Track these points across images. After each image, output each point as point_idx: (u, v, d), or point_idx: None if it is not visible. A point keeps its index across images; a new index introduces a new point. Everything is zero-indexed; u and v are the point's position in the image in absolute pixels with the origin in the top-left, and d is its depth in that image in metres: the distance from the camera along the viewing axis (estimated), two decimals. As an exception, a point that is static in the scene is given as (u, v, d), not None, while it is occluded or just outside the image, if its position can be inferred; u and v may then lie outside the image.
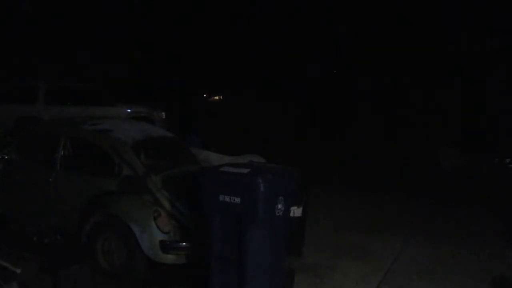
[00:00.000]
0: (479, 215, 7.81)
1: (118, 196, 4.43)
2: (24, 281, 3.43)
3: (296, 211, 4.59)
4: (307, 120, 14.18)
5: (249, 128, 13.21)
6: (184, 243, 4.14)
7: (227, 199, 3.58)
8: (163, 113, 11.55)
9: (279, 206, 3.74)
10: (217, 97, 21.69)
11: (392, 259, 5.32)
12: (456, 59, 13.21)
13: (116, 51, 15.60)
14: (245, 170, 3.70)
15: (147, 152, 4.82)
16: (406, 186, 9.50)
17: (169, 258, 4.13)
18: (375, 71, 13.81)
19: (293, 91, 15.44)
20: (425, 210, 7.96)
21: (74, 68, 14.14)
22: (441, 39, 13.44)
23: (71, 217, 4.55)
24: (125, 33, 15.81)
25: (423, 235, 6.32)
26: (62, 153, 4.83)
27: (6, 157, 5.08)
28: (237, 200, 3.55)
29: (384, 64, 13.71)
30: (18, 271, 3.43)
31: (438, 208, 8.09)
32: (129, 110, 10.87)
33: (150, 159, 4.80)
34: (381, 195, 8.76)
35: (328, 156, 11.25)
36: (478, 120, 12.36)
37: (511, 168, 11.58)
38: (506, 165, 11.64)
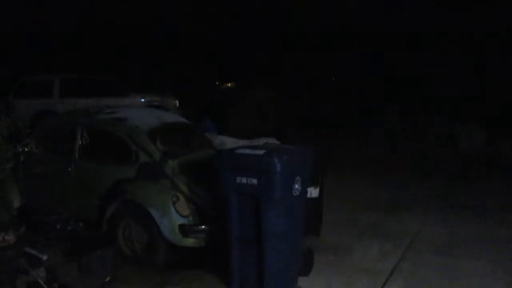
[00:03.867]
0: (498, 192, 7.73)
1: (137, 183, 4.48)
2: (50, 266, 3.52)
3: (313, 192, 4.60)
4: (320, 105, 14.09)
5: (263, 114, 13.18)
6: (203, 226, 4.18)
7: (244, 180, 3.60)
8: (177, 101, 11.60)
9: (296, 186, 3.75)
10: (229, 84, 21.68)
11: (410, 237, 5.30)
12: (472, 32, 12.92)
13: (129, 41, 15.65)
14: (261, 151, 3.71)
15: (163, 138, 4.84)
16: (423, 166, 9.42)
17: (189, 241, 4.18)
18: (390, 49, 13.59)
19: (305, 76, 15.34)
20: (442, 189, 7.89)
21: (87, 60, 14.25)
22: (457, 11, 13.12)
23: (92, 205, 4.63)
24: (137, 22, 15.84)
25: (441, 213, 6.29)
26: (79, 143, 4.89)
27: (26, 149, 5.17)
28: (254, 181, 3.56)
29: (399, 41, 13.48)
30: (45, 257, 3.53)
31: (455, 187, 8.02)
32: (143, 100, 10.95)
33: (166, 145, 4.82)
34: (398, 176, 8.70)
35: (343, 139, 11.20)
36: (496, 96, 12.12)
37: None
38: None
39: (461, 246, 5.08)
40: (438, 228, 5.71)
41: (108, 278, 3.89)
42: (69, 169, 4.84)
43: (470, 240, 5.27)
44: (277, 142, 5.83)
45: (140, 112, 5.60)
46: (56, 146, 5.19)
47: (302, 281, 3.97)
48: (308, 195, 4.23)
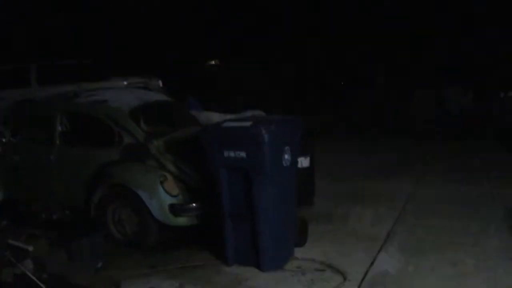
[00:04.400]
0: (486, 151, 7.76)
1: (122, 165, 4.35)
2: (37, 257, 3.41)
3: (304, 162, 4.52)
4: (306, 78, 13.88)
5: (249, 90, 13.01)
6: (194, 204, 4.08)
7: (232, 154, 3.49)
8: (160, 82, 11.34)
9: (286, 156, 3.66)
10: (213, 62, 21.33)
11: (404, 201, 5.30)
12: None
13: (109, 23, 15.16)
14: (248, 123, 3.59)
15: (146, 118, 4.69)
16: (413, 130, 9.41)
17: (181, 220, 4.09)
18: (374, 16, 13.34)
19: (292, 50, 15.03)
20: (433, 150, 7.90)
21: (65, 44, 13.79)
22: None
23: (78, 191, 4.50)
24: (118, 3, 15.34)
25: (432, 176, 6.30)
26: (59, 129, 4.73)
27: (4, 140, 4.98)
28: (243, 154, 3.46)
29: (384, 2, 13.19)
30: (30, 248, 3.40)
31: (445, 148, 8.04)
32: (125, 82, 10.66)
33: (150, 125, 4.68)
34: (388, 141, 8.69)
35: (332, 108, 11.10)
36: (480, 57, 12.07)
37: (517, 101, 11.44)
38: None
39: (454, 206, 5.08)
40: (430, 190, 5.71)
41: (100, 264, 3.79)
42: (51, 156, 4.68)
43: (462, 200, 5.27)
44: (263, 114, 5.70)
45: (120, 93, 5.41)
46: (36, 134, 5.01)
47: (298, 251, 3.92)
48: (299, 165, 4.15)
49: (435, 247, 3.98)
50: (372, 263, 3.72)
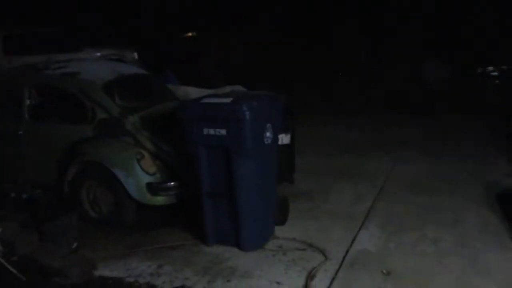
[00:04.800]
0: (464, 126, 7.83)
1: (96, 142, 4.16)
2: (7, 240, 3.25)
3: (284, 138, 4.42)
4: (287, 50, 13.63)
5: (227, 62, 12.74)
6: (172, 183, 3.96)
7: (211, 132, 3.36)
8: (136, 54, 10.98)
9: (267, 134, 3.55)
10: (190, 34, 20.79)
11: (383, 177, 5.29)
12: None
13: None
14: (228, 100, 3.45)
15: (121, 92, 4.47)
16: (392, 105, 9.40)
17: (159, 199, 3.97)
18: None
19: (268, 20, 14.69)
20: (411, 126, 7.92)
21: (35, 12, 13.10)
22: None
23: (49, 169, 4.31)
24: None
25: (412, 151, 6.31)
26: (28, 102, 4.47)
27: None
28: (223, 132, 3.33)
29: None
30: (-1, 230, 3.24)
31: (423, 123, 8.07)
32: (99, 54, 10.28)
33: (125, 100, 4.46)
34: (368, 117, 8.67)
35: (312, 83, 10.98)
36: (461, 31, 12.08)
37: (494, 76, 11.58)
38: (489, 73, 11.62)
39: (433, 182, 5.11)
40: (409, 166, 5.72)
41: (75, 245, 3.65)
42: (20, 132, 4.44)
43: (441, 176, 5.31)
44: (243, 89, 5.55)
45: (93, 65, 5.16)
46: (2, 109, 4.74)
47: (278, 230, 3.87)
48: (280, 142, 4.05)
49: (416, 224, 3.99)
50: (353, 241, 3.70)
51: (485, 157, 5.93)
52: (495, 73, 11.50)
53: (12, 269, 3.03)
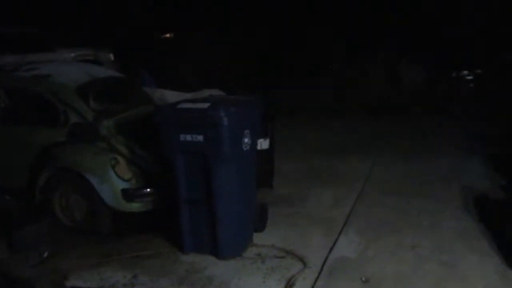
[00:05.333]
0: (440, 128, 7.95)
1: (69, 147, 4.03)
2: (-27, 250, 3.10)
3: (263, 143, 4.35)
4: (264, 54, 13.60)
5: (205, 65, 12.61)
6: (148, 189, 3.86)
7: (188, 138, 3.29)
8: (111, 55, 10.77)
9: (246, 140, 3.49)
10: (168, 35, 20.58)
11: (362, 181, 5.30)
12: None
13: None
14: (205, 105, 3.38)
15: (95, 95, 4.34)
16: (368, 107, 9.49)
17: (134, 206, 3.86)
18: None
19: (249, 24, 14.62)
20: (388, 128, 8.00)
21: (7, 11, 12.70)
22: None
23: (20, 174, 4.15)
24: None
25: (389, 154, 6.36)
26: (-3, 105, 4.31)
27: None
28: (200, 138, 3.26)
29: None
30: (-36, 239, 3.08)
31: (400, 126, 8.16)
32: (73, 54, 10.03)
33: (100, 103, 4.34)
34: (345, 120, 8.72)
35: (288, 86, 10.97)
36: (438, 36, 12.29)
37: (468, 80, 11.82)
38: (463, 77, 11.85)
39: (411, 185, 5.15)
40: (387, 168, 5.76)
41: (46, 254, 3.49)
42: (-12, 135, 4.27)
43: (418, 179, 5.36)
44: (221, 93, 5.47)
45: (66, 67, 5.00)
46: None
47: (257, 237, 3.81)
48: (258, 147, 3.99)
49: (394, 230, 3.99)
50: (332, 248, 3.67)
51: (461, 160, 6.02)
52: (470, 77, 11.75)
53: (-23, 282, 2.89)
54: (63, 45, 10.22)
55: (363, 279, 3.20)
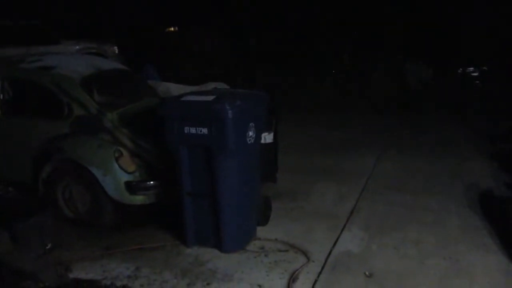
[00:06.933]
0: (445, 126, 7.89)
1: (73, 139, 4.02)
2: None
3: (267, 137, 4.33)
4: (268, 48, 13.54)
5: (209, 58, 12.59)
6: (151, 182, 3.85)
7: (193, 130, 3.27)
8: (116, 48, 10.75)
9: (250, 133, 3.47)
10: (172, 29, 20.55)
11: (366, 176, 5.27)
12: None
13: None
14: (210, 98, 3.36)
15: (100, 88, 4.34)
16: (374, 105, 9.43)
17: (138, 199, 3.85)
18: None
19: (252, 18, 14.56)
20: (393, 126, 7.95)
21: (12, 4, 12.70)
22: None
23: (23, 166, 4.15)
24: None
25: (394, 151, 6.32)
26: (1, 97, 4.30)
27: None
28: (204, 131, 3.24)
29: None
30: (-33, 231, 3.08)
31: (406, 123, 8.11)
32: (77, 47, 10.02)
33: (104, 96, 4.34)
34: (350, 116, 8.67)
35: (294, 82, 10.93)
36: (442, 33, 12.19)
37: (474, 77, 11.73)
38: (469, 73, 11.76)
39: (415, 182, 5.12)
40: (392, 165, 5.72)
41: (49, 246, 3.49)
42: (-8, 127, 4.27)
43: (424, 175, 5.32)
44: (226, 86, 5.46)
45: (71, 59, 4.98)
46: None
47: (260, 231, 3.80)
48: (262, 141, 3.97)
49: (398, 225, 3.97)
50: (335, 243, 3.66)
51: (466, 157, 5.98)
52: (476, 74, 11.65)
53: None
54: (68, 37, 10.21)
55: (367, 273, 3.19)
